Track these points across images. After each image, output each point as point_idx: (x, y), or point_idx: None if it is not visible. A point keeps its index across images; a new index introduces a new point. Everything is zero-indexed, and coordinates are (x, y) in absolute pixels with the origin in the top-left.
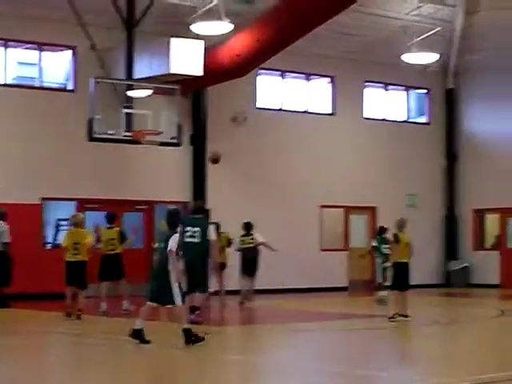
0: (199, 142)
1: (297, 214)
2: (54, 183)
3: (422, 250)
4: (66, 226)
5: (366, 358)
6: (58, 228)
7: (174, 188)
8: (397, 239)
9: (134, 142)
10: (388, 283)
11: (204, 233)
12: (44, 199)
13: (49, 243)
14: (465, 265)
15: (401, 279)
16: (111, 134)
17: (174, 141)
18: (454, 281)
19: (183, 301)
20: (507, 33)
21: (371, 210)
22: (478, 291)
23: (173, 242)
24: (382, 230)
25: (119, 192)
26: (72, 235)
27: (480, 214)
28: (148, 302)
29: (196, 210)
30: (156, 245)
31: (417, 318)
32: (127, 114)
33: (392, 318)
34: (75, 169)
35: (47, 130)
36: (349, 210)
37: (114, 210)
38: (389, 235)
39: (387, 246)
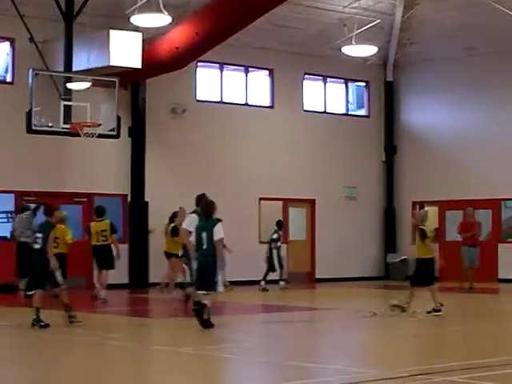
0: (138, 134)
1: (236, 206)
2: None
3: (361, 243)
4: (3, 218)
5: (305, 350)
6: None
7: (112, 180)
8: (425, 234)
9: (73, 134)
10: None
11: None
12: None
13: None
14: (404, 257)
15: (426, 275)
16: (50, 127)
17: (113, 133)
18: (394, 273)
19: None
20: (446, 25)
21: (310, 203)
22: None
23: (221, 231)
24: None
25: (58, 184)
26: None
27: (419, 207)
28: (197, 291)
29: (196, 203)
30: (193, 233)
31: (354, 311)
32: (66, 106)
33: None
34: (14, 161)
35: None
36: (288, 202)
37: (52, 202)
38: None
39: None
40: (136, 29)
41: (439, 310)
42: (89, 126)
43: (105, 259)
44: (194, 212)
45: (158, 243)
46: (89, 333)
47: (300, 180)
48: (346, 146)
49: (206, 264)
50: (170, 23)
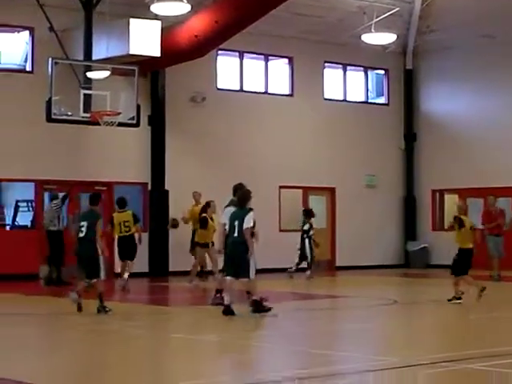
0: (158, 123)
1: (256, 194)
2: (13, 164)
3: (381, 231)
4: (24, 207)
5: (326, 337)
6: (16, 209)
7: (132, 169)
8: (461, 223)
9: (93, 122)
10: None
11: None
12: (2, 180)
13: (7, 225)
14: (424, 245)
15: (463, 265)
16: (70, 115)
17: (133, 121)
18: (413, 261)
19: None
20: (465, 13)
21: (330, 191)
22: (437, 272)
23: (250, 220)
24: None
25: (78, 173)
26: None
27: (439, 195)
28: (228, 277)
29: (234, 191)
30: (226, 222)
31: (375, 299)
32: (86, 95)
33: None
34: (34, 150)
35: (5, 111)
36: (307, 190)
37: (72, 191)
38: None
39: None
40: (155, 17)
41: (460, 298)
42: (108, 115)
43: (128, 250)
44: (230, 204)
45: (178, 232)
46: (110, 321)
47: (320, 168)
48: (365, 134)
49: (236, 251)
50: (190, 11)
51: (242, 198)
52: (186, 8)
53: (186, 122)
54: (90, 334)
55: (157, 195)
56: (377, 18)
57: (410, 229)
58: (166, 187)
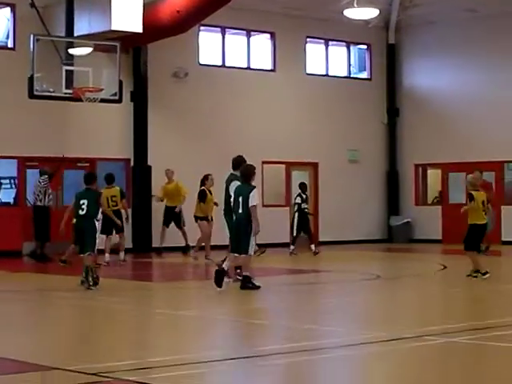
0: (140, 99)
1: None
2: None
3: (364, 206)
4: (6, 184)
5: (310, 312)
6: None
7: (115, 145)
8: (471, 197)
9: (75, 99)
10: None
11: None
12: None
13: None
14: (407, 220)
15: (473, 241)
16: (52, 92)
17: (115, 97)
18: (396, 236)
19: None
20: None
21: (313, 166)
22: (420, 246)
23: (255, 197)
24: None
25: (60, 149)
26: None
27: (422, 169)
28: (232, 253)
29: (233, 165)
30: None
31: (358, 274)
32: (68, 71)
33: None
34: (16, 127)
35: None
36: (290, 165)
37: (60, 168)
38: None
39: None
40: None
41: (486, 273)
42: (91, 91)
43: (115, 224)
44: (234, 179)
45: (161, 207)
46: (95, 297)
47: (302, 143)
48: (348, 109)
49: (240, 227)
50: None
51: (246, 173)
52: None
53: (169, 98)
54: (75, 309)
55: (139, 171)
56: None
57: (392, 203)
58: (149, 163)
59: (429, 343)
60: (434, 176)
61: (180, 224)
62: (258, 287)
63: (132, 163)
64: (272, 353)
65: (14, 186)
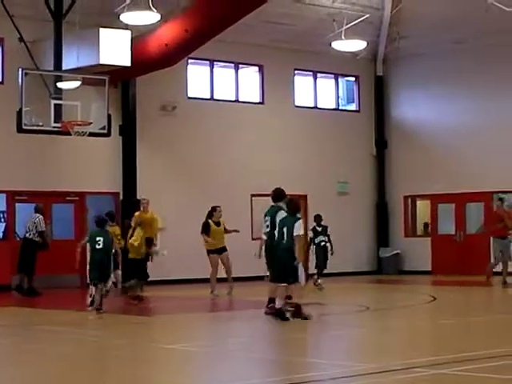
0: (129, 132)
1: (228, 202)
2: None
3: (354, 238)
4: None
5: (299, 345)
6: None
7: (104, 179)
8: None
9: (64, 132)
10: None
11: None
12: None
13: None
14: (396, 252)
15: None
16: (40, 126)
17: (104, 131)
18: (386, 268)
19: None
20: (435, 19)
21: (302, 198)
22: (409, 278)
23: (300, 228)
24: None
25: (49, 183)
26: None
27: (411, 201)
28: (280, 284)
29: (276, 197)
30: (267, 230)
31: (348, 305)
32: (56, 105)
33: None
34: (4, 161)
35: None
36: None
37: (44, 201)
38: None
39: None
40: (125, 27)
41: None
42: (79, 125)
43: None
44: (277, 209)
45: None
46: (76, 331)
47: (291, 176)
48: (337, 141)
49: (284, 257)
50: (159, 20)
51: (294, 208)
52: (155, 17)
53: (157, 132)
54: (66, 344)
55: (129, 204)
56: (347, 25)
57: (382, 235)
58: (138, 197)
59: (417, 375)
60: (423, 207)
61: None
62: (308, 317)
63: (121, 197)
64: None
65: (3, 220)
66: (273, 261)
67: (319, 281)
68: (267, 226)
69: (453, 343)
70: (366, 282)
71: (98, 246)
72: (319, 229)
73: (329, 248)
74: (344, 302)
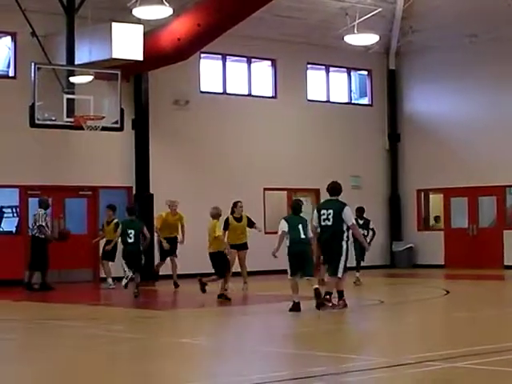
0: (141, 126)
1: (241, 196)
2: None
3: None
4: (9, 213)
5: (312, 338)
6: (1, 215)
7: (117, 173)
8: None
9: (76, 127)
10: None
11: (337, 215)
12: None
13: None
14: (409, 245)
15: None
16: (53, 120)
17: (116, 125)
18: (399, 262)
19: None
20: (447, 12)
21: (315, 192)
22: (422, 271)
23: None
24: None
25: (62, 178)
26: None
27: (424, 195)
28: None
29: (332, 191)
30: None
31: (361, 299)
32: (69, 99)
33: None
34: (18, 155)
35: None
36: (292, 192)
37: (57, 196)
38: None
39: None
40: (138, 21)
41: None
42: (92, 119)
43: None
44: (340, 202)
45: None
46: (92, 325)
47: (304, 170)
48: (349, 134)
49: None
50: (172, 15)
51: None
52: (168, 11)
53: (170, 126)
54: (78, 338)
55: (142, 199)
56: (359, 18)
57: (395, 229)
58: (151, 191)
59: (430, 369)
60: (435, 201)
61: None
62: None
63: (134, 191)
64: (273, 380)
65: (16, 214)
66: (333, 254)
67: (357, 274)
68: (325, 220)
69: (466, 337)
70: (379, 275)
71: (129, 240)
72: (361, 222)
73: (367, 240)
74: (358, 295)
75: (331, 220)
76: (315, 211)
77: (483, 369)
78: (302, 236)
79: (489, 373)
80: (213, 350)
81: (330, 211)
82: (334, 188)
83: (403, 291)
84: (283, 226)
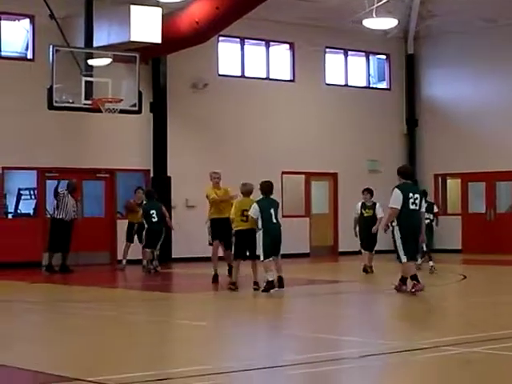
0: (159, 109)
1: (258, 180)
2: (15, 152)
3: (384, 216)
4: (26, 195)
5: (328, 322)
6: (19, 197)
7: (135, 156)
8: None
9: (95, 110)
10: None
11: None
12: (4, 168)
13: (10, 213)
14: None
15: None
16: (71, 103)
17: (135, 108)
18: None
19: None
20: None
21: (332, 176)
22: (439, 256)
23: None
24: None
25: (80, 160)
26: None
27: (441, 179)
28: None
29: (407, 176)
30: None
31: (378, 284)
32: (87, 82)
33: None
34: (36, 138)
35: (7, 99)
36: (310, 176)
37: (75, 178)
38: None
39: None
40: (156, 4)
41: None
42: (110, 102)
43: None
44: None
45: (179, 218)
46: (106, 307)
47: (322, 154)
48: (367, 119)
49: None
50: None
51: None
52: None
53: (188, 109)
54: (94, 320)
55: (159, 182)
56: (378, 2)
57: None
58: (169, 174)
59: (447, 353)
60: (453, 186)
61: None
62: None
63: (152, 174)
64: (295, 363)
65: (33, 197)
66: (416, 240)
67: (430, 262)
68: (413, 204)
69: (483, 322)
70: (395, 260)
71: (153, 219)
72: (425, 206)
73: (434, 226)
74: (375, 280)
75: (418, 204)
76: (401, 193)
77: (501, 354)
78: (274, 220)
79: (506, 358)
80: (227, 334)
81: (417, 195)
82: (409, 171)
83: (420, 276)
84: (254, 212)
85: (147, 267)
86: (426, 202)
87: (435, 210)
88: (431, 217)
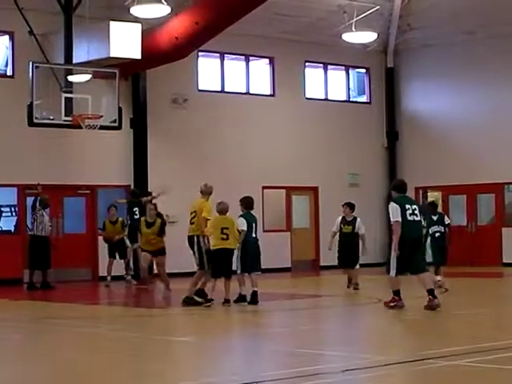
0: (139, 125)
1: (239, 195)
2: None
3: (366, 230)
4: (7, 212)
5: (310, 337)
6: (0, 214)
7: (115, 172)
8: None
9: (75, 126)
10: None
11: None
12: None
13: None
14: None
15: None
16: (51, 119)
17: (115, 124)
18: None
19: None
20: (445, 10)
21: (313, 190)
22: None
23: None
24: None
25: (60, 177)
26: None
27: (422, 192)
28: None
29: (402, 189)
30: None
31: (360, 298)
32: (67, 98)
33: None
34: (16, 155)
35: None
36: (291, 190)
37: (55, 195)
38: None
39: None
40: (135, 20)
41: None
42: (90, 118)
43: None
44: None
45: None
46: (88, 324)
47: (302, 168)
48: (347, 132)
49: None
50: (170, 13)
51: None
52: (166, 10)
53: (168, 124)
54: (76, 337)
55: (140, 197)
56: (357, 16)
57: None
58: (149, 189)
59: (429, 366)
60: (435, 198)
61: None
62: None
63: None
64: (276, 378)
65: (14, 213)
66: (420, 252)
67: (438, 278)
68: (412, 215)
69: (465, 334)
70: (377, 273)
71: (135, 217)
72: (435, 218)
73: (446, 239)
74: (356, 293)
75: (418, 216)
76: (398, 206)
77: (483, 366)
78: (253, 235)
79: (488, 370)
80: (209, 349)
81: (415, 206)
82: (403, 185)
83: (402, 289)
84: (242, 225)
85: (128, 280)
86: (436, 213)
87: (446, 221)
88: (442, 229)
